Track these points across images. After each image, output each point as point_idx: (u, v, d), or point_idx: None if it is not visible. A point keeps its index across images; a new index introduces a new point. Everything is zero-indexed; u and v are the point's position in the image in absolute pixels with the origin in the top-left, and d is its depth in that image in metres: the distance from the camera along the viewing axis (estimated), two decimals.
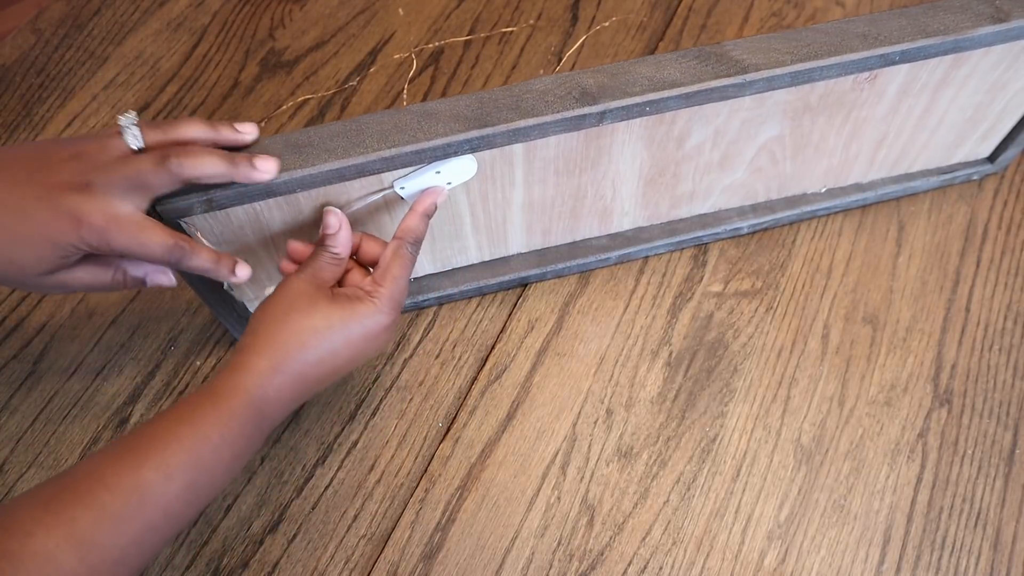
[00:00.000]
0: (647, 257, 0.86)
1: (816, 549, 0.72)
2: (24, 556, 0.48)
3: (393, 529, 0.73)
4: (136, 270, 0.64)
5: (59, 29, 1.05)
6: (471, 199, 0.73)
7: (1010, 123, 0.84)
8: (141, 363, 0.82)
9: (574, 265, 0.84)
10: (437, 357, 0.82)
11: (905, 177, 0.88)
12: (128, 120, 0.59)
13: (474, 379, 0.80)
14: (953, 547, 0.73)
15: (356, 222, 0.70)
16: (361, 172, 0.64)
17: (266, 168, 0.61)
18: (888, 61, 0.68)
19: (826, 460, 0.76)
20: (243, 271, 0.65)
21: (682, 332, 0.82)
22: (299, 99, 0.98)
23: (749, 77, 0.65)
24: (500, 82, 0.99)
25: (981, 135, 0.85)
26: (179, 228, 0.64)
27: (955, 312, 0.83)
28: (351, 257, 0.68)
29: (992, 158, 0.89)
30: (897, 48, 0.66)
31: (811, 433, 0.77)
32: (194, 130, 0.61)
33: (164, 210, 0.61)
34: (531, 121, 0.63)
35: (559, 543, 0.73)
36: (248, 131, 0.63)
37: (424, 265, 0.82)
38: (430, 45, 1.02)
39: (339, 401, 0.79)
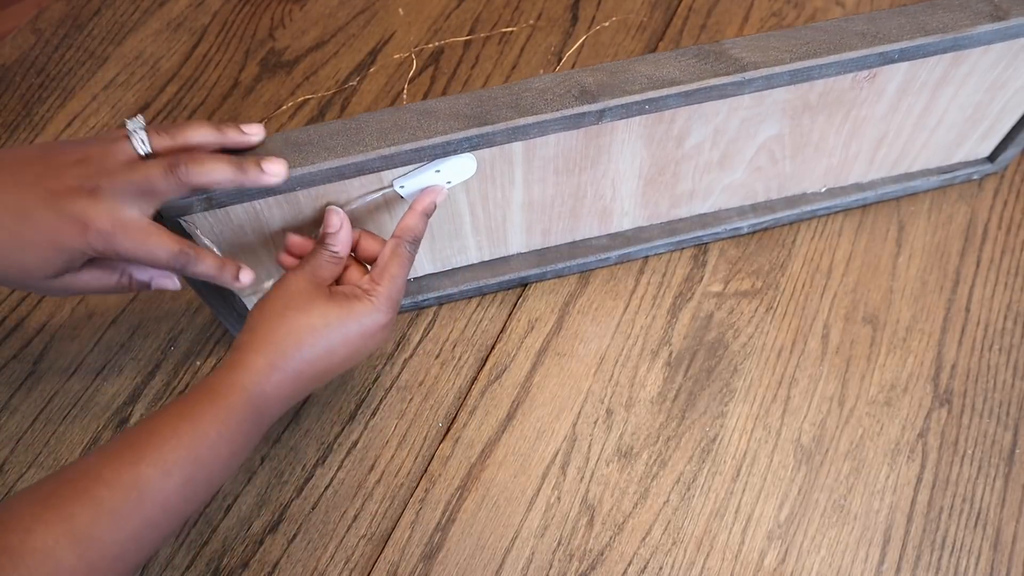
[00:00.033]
0: (647, 257, 0.86)
1: (816, 549, 0.72)
2: (23, 552, 0.48)
3: (393, 529, 0.73)
4: (141, 274, 0.65)
5: (59, 29, 1.06)
6: (471, 198, 0.73)
7: (1010, 122, 0.84)
8: (141, 363, 0.82)
9: (574, 265, 0.84)
10: (437, 357, 0.82)
11: (905, 177, 0.88)
12: (135, 125, 0.59)
13: (474, 379, 0.80)
14: (953, 547, 0.72)
15: (355, 220, 0.70)
16: (361, 170, 0.63)
17: (274, 171, 0.61)
18: (887, 59, 0.68)
19: (826, 460, 0.76)
20: (246, 277, 0.65)
21: (682, 332, 0.82)
22: (299, 99, 0.98)
23: (748, 75, 0.65)
24: (500, 82, 0.99)
25: (981, 134, 0.85)
26: (179, 226, 0.64)
27: (955, 312, 0.83)
28: (350, 254, 0.68)
29: (992, 158, 0.89)
30: (896, 46, 0.66)
31: (811, 433, 0.77)
32: (200, 134, 0.61)
33: (164, 209, 0.61)
34: (530, 119, 0.63)
35: (559, 543, 0.73)
36: (254, 132, 0.63)
37: (424, 265, 0.82)
38: (430, 45, 1.02)
39: (339, 401, 0.79)
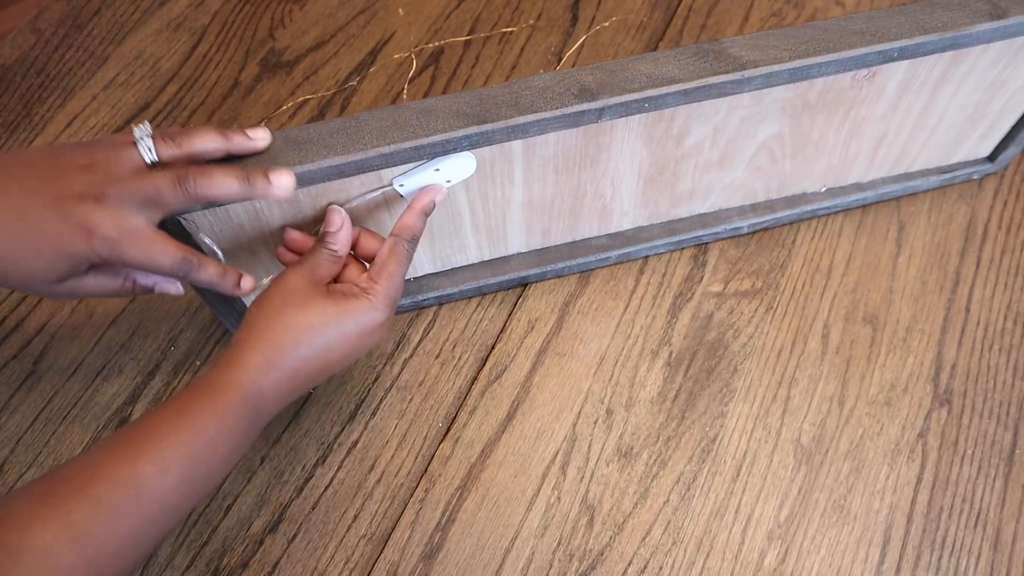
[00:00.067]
0: (647, 257, 0.86)
1: (816, 549, 0.72)
2: (22, 549, 0.48)
3: (393, 529, 0.73)
4: (145, 279, 0.66)
5: (59, 29, 1.06)
6: (471, 197, 0.73)
7: (1010, 122, 0.84)
8: (141, 363, 0.82)
9: (574, 265, 0.84)
10: (437, 357, 0.82)
11: (905, 176, 0.88)
12: (142, 132, 0.59)
13: (474, 379, 0.80)
14: (953, 547, 0.72)
15: (355, 218, 0.70)
16: (360, 168, 0.63)
17: (282, 184, 0.61)
18: (887, 58, 0.68)
19: (826, 460, 0.76)
20: (247, 284, 0.66)
21: (682, 332, 0.82)
22: (299, 99, 0.98)
23: (747, 73, 0.65)
24: (500, 82, 0.99)
25: (981, 134, 0.85)
26: (179, 225, 0.64)
27: (955, 312, 0.83)
28: (348, 253, 0.68)
29: (992, 157, 0.89)
30: (895, 45, 0.66)
31: (811, 433, 0.77)
32: (207, 141, 0.61)
33: None
34: (530, 117, 0.63)
35: (559, 543, 0.72)
36: (260, 137, 0.63)
37: (424, 264, 0.82)
38: (430, 45, 1.02)
39: (339, 401, 0.79)
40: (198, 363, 0.82)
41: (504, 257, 0.84)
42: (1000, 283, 0.84)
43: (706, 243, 0.87)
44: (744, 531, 0.73)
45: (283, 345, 0.60)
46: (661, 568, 0.71)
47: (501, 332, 0.83)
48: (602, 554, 0.72)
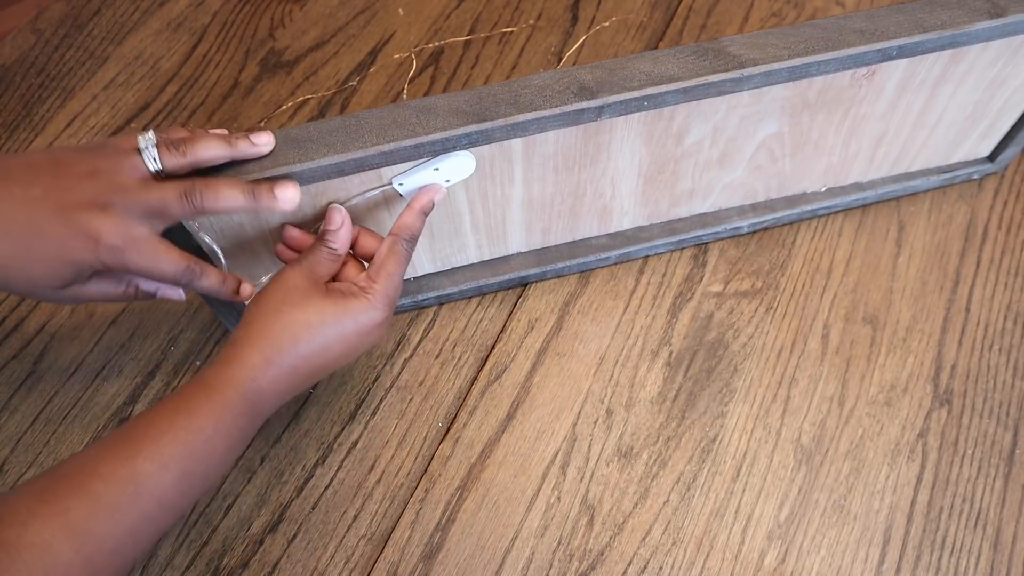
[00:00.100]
0: (647, 257, 0.86)
1: (816, 549, 0.72)
2: (20, 547, 0.48)
3: (393, 529, 0.73)
4: (147, 285, 0.66)
5: (59, 29, 1.06)
6: (470, 197, 0.73)
7: (1009, 121, 0.84)
8: (141, 364, 0.82)
9: (574, 264, 0.84)
10: (437, 357, 0.82)
11: (905, 176, 0.88)
12: (147, 141, 0.60)
13: (474, 379, 0.80)
14: (953, 547, 0.72)
15: (354, 217, 0.70)
16: (360, 167, 0.64)
17: (287, 197, 0.61)
18: (886, 56, 0.68)
19: (826, 460, 0.76)
20: (246, 289, 0.67)
21: (682, 332, 0.82)
22: (299, 99, 0.99)
23: (747, 72, 0.65)
24: (500, 82, 0.99)
25: (981, 133, 0.85)
26: (180, 226, 0.64)
27: (955, 312, 0.83)
28: (348, 251, 0.68)
29: (992, 157, 0.89)
30: (894, 43, 0.66)
31: (811, 433, 0.77)
32: (211, 149, 0.61)
33: None
34: (529, 116, 0.63)
35: (559, 543, 0.72)
36: (264, 142, 0.63)
37: (424, 264, 0.82)
38: (430, 45, 1.02)
39: (339, 401, 0.79)
40: (198, 363, 0.82)
41: (504, 257, 0.84)
42: (1000, 283, 0.84)
43: (706, 243, 0.87)
44: (744, 531, 0.73)
45: (281, 343, 0.60)
46: (661, 568, 0.71)
47: (501, 332, 0.83)
48: (602, 554, 0.72)
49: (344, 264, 0.67)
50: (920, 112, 0.78)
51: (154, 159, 0.59)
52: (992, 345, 0.81)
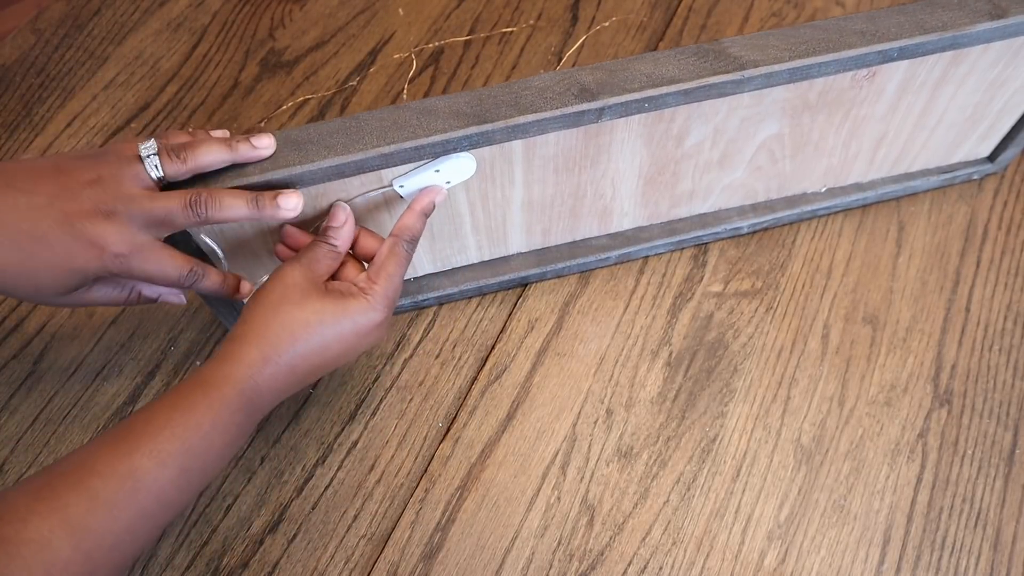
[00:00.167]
0: (647, 257, 0.86)
1: (816, 549, 0.72)
2: (19, 543, 0.48)
3: (393, 529, 0.73)
4: (149, 291, 0.67)
5: (59, 29, 1.06)
6: (471, 198, 0.73)
7: (1010, 122, 0.84)
8: (141, 363, 0.82)
9: (574, 265, 0.84)
10: (437, 357, 0.82)
11: (905, 177, 0.88)
12: (148, 150, 0.60)
13: (474, 379, 0.80)
14: (953, 547, 0.72)
15: (355, 218, 0.70)
16: (360, 169, 0.64)
17: (289, 206, 0.62)
18: (886, 58, 0.68)
19: (826, 460, 0.76)
20: (245, 287, 0.69)
21: (682, 332, 0.82)
22: (299, 99, 0.98)
23: (747, 73, 0.65)
24: (500, 82, 0.99)
25: (981, 134, 0.85)
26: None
27: (955, 312, 0.83)
28: (347, 251, 0.68)
29: (992, 157, 0.89)
30: (895, 44, 0.66)
31: (811, 433, 0.77)
32: (212, 154, 0.61)
33: None
34: (530, 117, 0.63)
35: (559, 543, 0.72)
36: (265, 145, 0.63)
37: (424, 264, 0.82)
38: (430, 45, 1.02)
39: (339, 401, 0.79)
40: (198, 363, 0.82)
41: (504, 257, 0.84)
42: (1000, 283, 0.84)
43: (706, 243, 0.87)
44: (744, 531, 0.73)
45: (279, 341, 0.60)
46: (661, 568, 0.72)
47: (501, 332, 0.83)
48: (602, 554, 0.72)
49: (344, 264, 0.67)
50: (920, 113, 0.78)
51: (156, 167, 0.60)
52: (992, 345, 0.81)
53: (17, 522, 0.49)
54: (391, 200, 0.70)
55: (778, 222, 0.87)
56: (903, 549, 0.72)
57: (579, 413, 0.78)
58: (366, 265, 0.68)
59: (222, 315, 0.78)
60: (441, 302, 0.84)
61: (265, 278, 0.66)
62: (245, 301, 0.78)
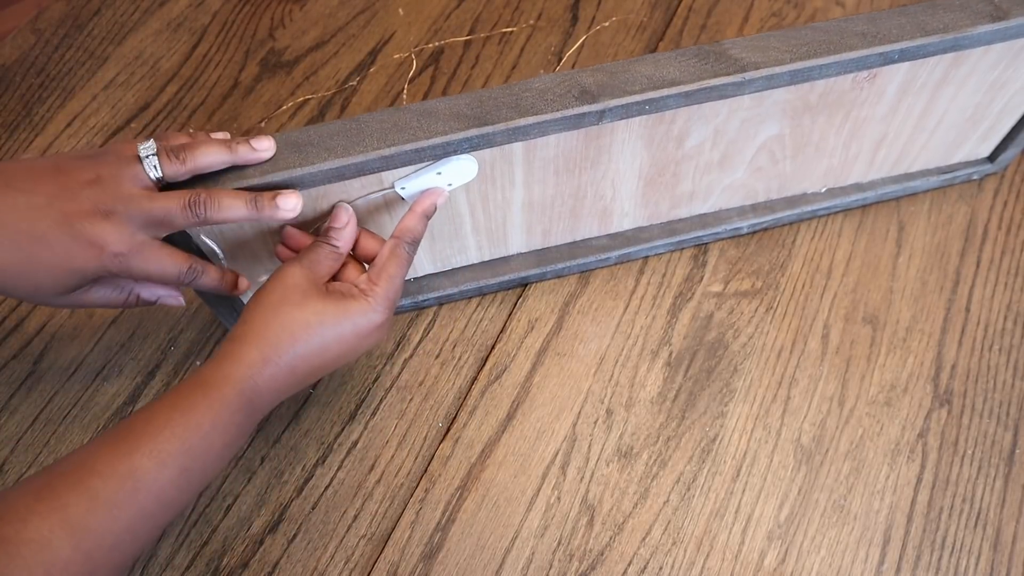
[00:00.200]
0: (647, 257, 0.86)
1: (816, 549, 0.72)
2: (19, 543, 0.48)
3: (393, 529, 0.73)
4: (148, 294, 0.67)
5: (59, 29, 1.05)
6: (471, 199, 0.73)
7: (1010, 123, 0.84)
8: (141, 363, 0.82)
9: (574, 265, 0.84)
10: (437, 357, 0.82)
11: (905, 177, 0.88)
12: (148, 150, 0.60)
13: (474, 379, 0.80)
14: (953, 547, 0.72)
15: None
16: (361, 171, 0.64)
17: (288, 207, 0.62)
18: (887, 60, 0.68)
19: (826, 460, 0.76)
20: (243, 283, 0.69)
21: (682, 332, 0.82)
22: (299, 99, 0.98)
23: (748, 75, 0.65)
24: (500, 82, 0.99)
25: (981, 135, 0.85)
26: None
27: (955, 312, 0.83)
28: (348, 253, 0.68)
29: (992, 158, 0.89)
30: (896, 46, 0.66)
31: (811, 433, 0.77)
32: (212, 155, 0.61)
33: None
34: (531, 120, 0.63)
35: (559, 543, 0.73)
36: (265, 147, 0.63)
37: (424, 265, 0.82)
38: (430, 45, 1.02)
39: (339, 401, 0.79)
40: (198, 363, 0.82)
41: (504, 257, 0.84)
42: (1000, 283, 0.85)
43: (706, 243, 0.87)
44: (744, 531, 0.73)
45: (280, 342, 0.60)
46: (661, 568, 0.72)
47: (501, 332, 0.83)
48: (602, 554, 0.72)
49: (345, 265, 0.67)
50: (921, 114, 0.78)
51: (155, 167, 0.60)
52: (992, 345, 0.81)
53: (17, 522, 0.49)
54: (392, 202, 0.70)
55: (778, 222, 0.87)
56: (903, 549, 0.72)
57: (579, 413, 0.78)
58: (367, 266, 0.68)
59: (222, 315, 0.78)
60: (441, 302, 0.84)
61: (264, 278, 0.66)
62: (244, 300, 0.78)
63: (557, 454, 0.76)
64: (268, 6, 1.07)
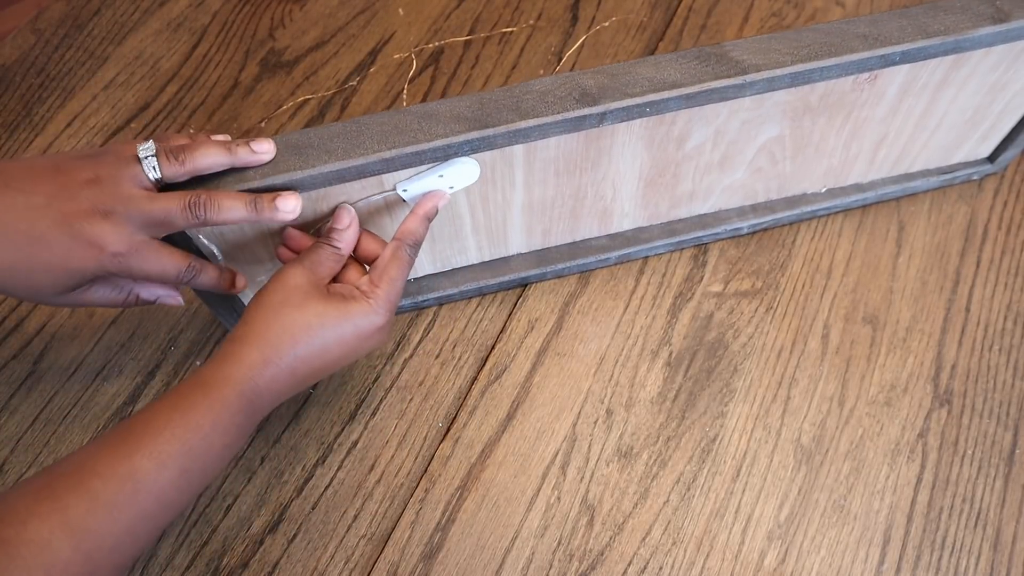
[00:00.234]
0: (647, 257, 0.86)
1: (816, 549, 0.72)
2: (19, 544, 0.48)
3: (393, 529, 0.73)
4: (146, 294, 0.67)
5: (59, 29, 1.05)
6: (471, 200, 0.73)
7: (1010, 123, 0.84)
8: (141, 363, 0.82)
9: (574, 265, 0.84)
10: (437, 357, 0.82)
11: (905, 177, 0.88)
12: (147, 151, 0.60)
13: (474, 379, 0.80)
14: (953, 547, 0.73)
15: None
16: (361, 173, 0.63)
17: (288, 208, 0.62)
18: (888, 62, 0.68)
19: (826, 460, 0.76)
20: (240, 282, 0.69)
21: (682, 332, 0.82)
22: (299, 99, 0.98)
23: (749, 78, 0.65)
24: (500, 82, 0.99)
25: (981, 135, 0.85)
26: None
27: (955, 312, 0.83)
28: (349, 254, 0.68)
29: (992, 158, 0.89)
30: (897, 49, 0.66)
31: (811, 433, 0.77)
32: (211, 156, 0.61)
33: None
34: (531, 122, 0.63)
35: (559, 543, 0.73)
36: (265, 150, 0.63)
37: (424, 265, 0.82)
38: (430, 45, 1.02)
39: (339, 401, 0.79)
40: (198, 363, 0.82)
41: (504, 258, 0.84)
42: (1000, 283, 0.85)
43: (706, 243, 0.87)
44: (744, 531, 0.73)
45: (280, 344, 0.60)
46: (661, 568, 0.72)
47: (501, 332, 0.83)
48: (602, 554, 0.72)
49: (346, 267, 0.67)
50: (921, 115, 0.78)
51: (154, 168, 0.60)
52: (992, 345, 0.81)
53: (17, 523, 0.49)
54: (393, 204, 0.70)
55: (778, 222, 0.87)
56: (903, 549, 0.72)
57: (579, 413, 0.78)
58: (368, 268, 0.68)
59: (221, 315, 0.78)
60: (441, 302, 0.84)
61: (263, 278, 0.66)
62: (244, 300, 0.78)
63: (557, 454, 0.76)
64: (268, 6, 1.07)
